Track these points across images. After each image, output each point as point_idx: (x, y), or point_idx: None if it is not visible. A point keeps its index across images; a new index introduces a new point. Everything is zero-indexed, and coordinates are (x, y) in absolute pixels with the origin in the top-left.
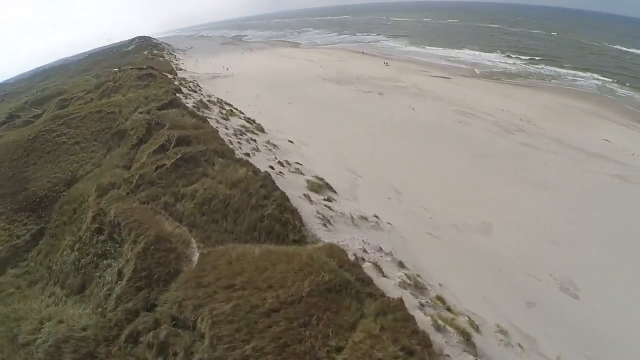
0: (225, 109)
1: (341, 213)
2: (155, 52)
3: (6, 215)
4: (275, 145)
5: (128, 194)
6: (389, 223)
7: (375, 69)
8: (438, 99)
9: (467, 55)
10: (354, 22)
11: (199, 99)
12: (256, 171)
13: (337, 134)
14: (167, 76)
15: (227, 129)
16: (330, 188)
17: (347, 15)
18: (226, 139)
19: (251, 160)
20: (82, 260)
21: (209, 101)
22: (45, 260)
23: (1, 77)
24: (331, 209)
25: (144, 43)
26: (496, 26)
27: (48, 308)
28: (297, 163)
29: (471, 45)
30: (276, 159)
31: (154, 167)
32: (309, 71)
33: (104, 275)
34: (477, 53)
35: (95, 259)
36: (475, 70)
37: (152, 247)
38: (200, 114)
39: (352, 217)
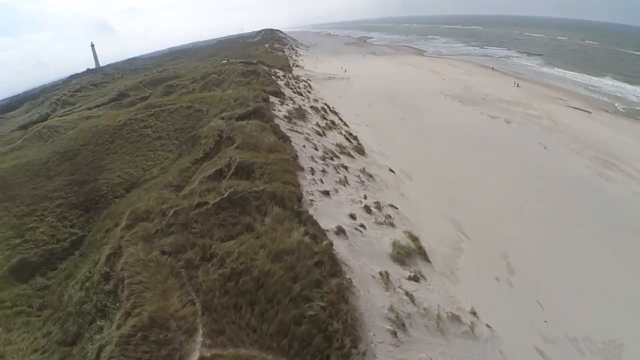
0: (326, 119)
1: (424, 308)
2: (277, 45)
3: (61, 209)
4: (370, 176)
5: (156, 232)
6: (488, 325)
7: (504, 89)
8: (575, 138)
9: (609, 85)
10: (484, 33)
11: (300, 104)
12: (317, 235)
13: (450, 167)
14: (277, 73)
15: (315, 149)
16: (424, 254)
17: (479, 26)
18: (308, 165)
19: (330, 202)
20: (85, 305)
21: (311, 107)
22: (64, 283)
23: (137, 52)
24: (412, 300)
25: (269, 36)
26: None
27: (34, 353)
28: (391, 206)
29: (613, 73)
30: (365, 199)
31: (195, 204)
32: (430, 83)
33: (91, 340)
34: (621, 84)
35: (94, 311)
36: (617, 105)
37: (140, 334)
38: (288, 126)
39: (438, 315)
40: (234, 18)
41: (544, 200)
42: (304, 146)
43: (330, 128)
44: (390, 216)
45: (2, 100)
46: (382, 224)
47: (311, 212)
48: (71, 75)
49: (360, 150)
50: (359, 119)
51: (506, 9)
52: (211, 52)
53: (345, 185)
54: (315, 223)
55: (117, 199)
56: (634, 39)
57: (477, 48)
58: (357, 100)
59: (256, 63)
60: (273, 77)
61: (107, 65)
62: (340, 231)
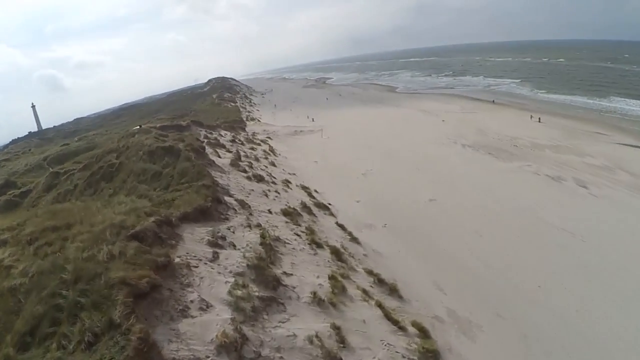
0: (316, 244)
1: None
2: (227, 95)
3: None
4: None
5: None
6: None
7: (528, 128)
8: None
9: (625, 106)
10: (445, 63)
11: (261, 214)
12: None
13: None
14: (219, 139)
15: None
16: None
17: (434, 57)
18: None
19: None
20: None
21: (285, 212)
22: None
23: (90, 110)
24: None
25: (220, 84)
26: (611, 65)
27: None
28: None
29: (614, 91)
30: None
31: None
32: (431, 128)
33: None
34: (634, 104)
35: None
36: None
37: None
38: None
39: None
40: (189, 67)
41: None
42: None
43: (341, 292)
44: None
45: None
46: None
47: None
48: (12, 140)
49: None
50: (364, 207)
51: (446, 39)
52: (156, 107)
53: None
54: None
55: None
56: (588, 52)
57: (450, 79)
58: (345, 166)
59: (187, 125)
60: (210, 150)
61: (50, 128)
62: None
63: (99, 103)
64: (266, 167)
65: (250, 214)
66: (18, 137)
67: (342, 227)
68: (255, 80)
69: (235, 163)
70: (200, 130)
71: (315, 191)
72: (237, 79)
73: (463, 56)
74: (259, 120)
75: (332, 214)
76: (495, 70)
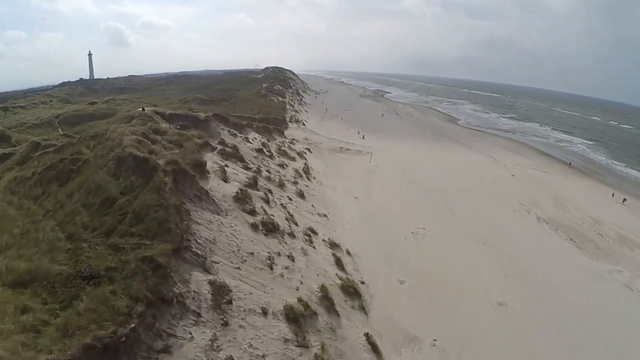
0: None
1: None
2: (277, 87)
3: None
4: None
5: None
6: None
7: (609, 209)
8: None
9: None
10: (509, 103)
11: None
12: None
13: None
14: (239, 149)
15: None
16: None
17: (498, 94)
18: None
19: None
20: None
21: (293, 318)
22: None
23: (149, 70)
24: None
25: (274, 74)
26: None
27: None
28: None
29: None
30: None
31: None
32: (498, 182)
33: None
34: None
35: None
36: None
37: None
38: None
39: None
40: (254, 52)
41: None
42: None
43: None
44: None
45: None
46: None
47: None
48: (62, 82)
49: None
50: (409, 295)
51: (511, 79)
52: (206, 83)
53: None
54: None
55: None
56: None
57: (514, 122)
58: (391, 215)
59: (205, 120)
60: (217, 165)
61: (102, 79)
62: None
63: (157, 65)
64: (290, 200)
65: (225, 324)
66: (69, 80)
67: (373, 345)
68: (313, 78)
69: (242, 196)
70: (222, 129)
71: (348, 253)
72: (295, 72)
73: (527, 100)
74: (303, 124)
75: (362, 308)
76: (562, 123)
